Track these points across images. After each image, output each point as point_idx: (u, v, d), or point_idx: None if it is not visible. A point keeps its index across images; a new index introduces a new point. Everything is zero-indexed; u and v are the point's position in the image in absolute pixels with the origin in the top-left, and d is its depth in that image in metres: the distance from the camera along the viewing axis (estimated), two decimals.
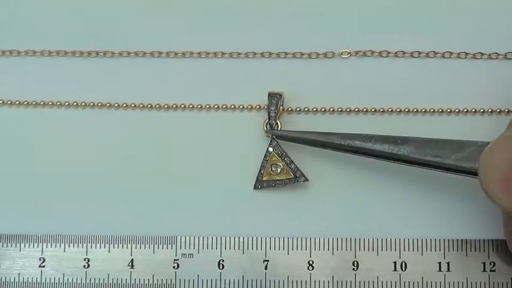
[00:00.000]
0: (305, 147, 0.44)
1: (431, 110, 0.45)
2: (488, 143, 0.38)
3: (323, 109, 0.45)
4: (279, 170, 0.44)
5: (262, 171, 0.44)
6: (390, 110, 0.45)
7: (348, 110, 0.45)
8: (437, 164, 0.41)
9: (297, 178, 0.44)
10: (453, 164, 0.40)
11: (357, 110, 0.45)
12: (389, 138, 0.42)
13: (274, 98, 0.44)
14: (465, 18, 0.45)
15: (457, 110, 0.45)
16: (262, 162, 0.44)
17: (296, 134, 0.44)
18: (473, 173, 0.39)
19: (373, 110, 0.45)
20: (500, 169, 0.37)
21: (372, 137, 0.42)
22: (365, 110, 0.45)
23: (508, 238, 0.41)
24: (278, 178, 0.44)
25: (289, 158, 0.44)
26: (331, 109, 0.45)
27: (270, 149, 0.44)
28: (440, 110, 0.45)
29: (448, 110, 0.45)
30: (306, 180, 0.44)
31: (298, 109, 0.45)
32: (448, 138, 0.41)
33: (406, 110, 0.45)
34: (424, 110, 0.45)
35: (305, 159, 0.44)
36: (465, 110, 0.45)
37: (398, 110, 0.45)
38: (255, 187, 0.44)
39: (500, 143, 0.38)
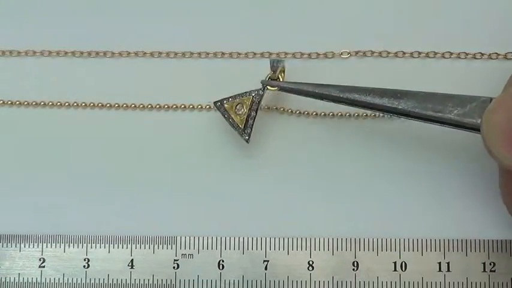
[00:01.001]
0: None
1: None
2: (491, 98, 0.38)
3: (323, 113, 0.45)
4: (239, 112, 0.43)
5: (230, 99, 0.44)
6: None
7: (348, 114, 0.45)
8: (438, 118, 0.40)
9: (243, 131, 0.43)
10: (454, 119, 0.39)
11: (356, 114, 0.45)
12: (389, 91, 0.40)
13: (275, 62, 0.43)
14: (465, 18, 0.45)
15: None
16: (237, 95, 0.43)
17: (294, 86, 0.42)
18: (475, 129, 0.39)
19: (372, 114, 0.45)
20: (503, 127, 0.36)
21: (371, 91, 0.41)
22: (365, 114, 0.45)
23: (503, 192, 0.41)
24: (232, 116, 0.43)
25: (256, 114, 0.43)
26: (331, 113, 0.45)
27: (252, 93, 0.43)
28: None
29: None
30: (247, 141, 0.43)
31: (298, 112, 0.45)
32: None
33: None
34: None
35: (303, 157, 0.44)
36: None
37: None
38: (214, 102, 0.43)
39: (503, 100, 0.37)
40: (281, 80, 0.44)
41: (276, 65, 0.43)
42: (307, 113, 0.45)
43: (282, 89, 0.43)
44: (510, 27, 0.45)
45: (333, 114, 0.45)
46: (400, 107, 0.40)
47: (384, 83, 0.44)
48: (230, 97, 0.44)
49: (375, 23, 0.46)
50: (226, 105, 0.44)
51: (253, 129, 0.43)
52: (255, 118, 0.43)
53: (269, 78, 0.43)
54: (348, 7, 0.46)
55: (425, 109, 0.40)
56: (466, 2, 0.45)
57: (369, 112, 0.44)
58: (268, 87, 0.43)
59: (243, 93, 0.44)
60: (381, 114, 0.44)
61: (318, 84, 0.42)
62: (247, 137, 0.43)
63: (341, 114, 0.45)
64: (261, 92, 0.43)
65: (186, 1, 0.46)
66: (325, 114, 0.45)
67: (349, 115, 0.45)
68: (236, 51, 0.46)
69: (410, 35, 0.45)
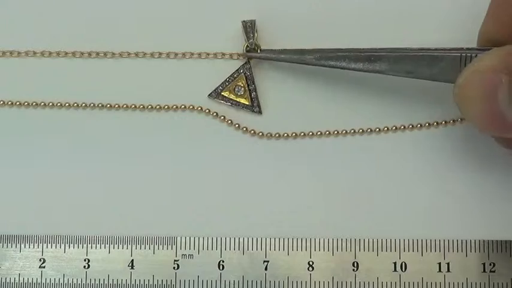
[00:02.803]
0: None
1: None
2: (460, 55, 0.40)
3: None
4: (240, 92, 0.45)
5: (224, 85, 0.45)
6: None
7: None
8: (413, 78, 0.42)
9: (253, 107, 0.45)
10: (428, 78, 0.42)
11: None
12: (363, 57, 0.42)
13: (248, 24, 0.45)
14: (465, 18, 0.45)
15: None
16: (228, 78, 0.45)
17: (273, 54, 0.44)
18: (450, 82, 0.40)
19: None
20: (478, 104, 0.38)
21: (346, 57, 0.43)
22: None
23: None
24: (235, 99, 0.45)
25: (255, 85, 0.44)
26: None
27: (241, 70, 0.45)
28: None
29: None
30: (260, 112, 0.45)
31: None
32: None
33: None
34: None
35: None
36: None
37: None
38: (210, 95, 0.45)
39: (472, 78, 0.38)
40: (256, 39, 0.45)
41: (250, 27, 0.44)
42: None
43: (264, 57, 0.44)
44: None
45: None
46: (374, 69, 0.42)
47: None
48: (221, 85, 0.45)
49: (374, 23, 0.46)
50: (223, 93, 0.45)
51: (259, 99, 0.45)
52: (256, 89, 0.45)
53: (246, 45, 0.45)
54: (348, 7, 0.46)
55: (398, 71, 0.42)
56: (466, 2, 0.45)
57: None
58: (252, 54, 0.45)
59: (231, 76, 0.45)
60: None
61: (297, 51, 0.44)
62: (259, 110, 0.45)
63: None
64: (247, 65, 0.45)
65: (186, 1, 0.46)
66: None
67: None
68: (236, 52, 0.46)
69: (411, 35, 0.45)
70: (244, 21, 0.45)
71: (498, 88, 0.37)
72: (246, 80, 0.45)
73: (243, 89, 0.45)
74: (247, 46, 0.45)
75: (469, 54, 0.41)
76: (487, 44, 0.40)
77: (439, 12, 0.45)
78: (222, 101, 0.45)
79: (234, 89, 0.45)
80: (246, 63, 0.45)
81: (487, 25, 0.41)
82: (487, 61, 0.38)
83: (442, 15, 0.45)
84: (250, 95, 0.45)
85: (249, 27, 0.45)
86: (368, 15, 0.46)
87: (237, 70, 0.45)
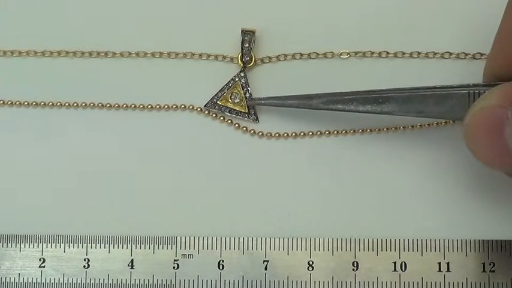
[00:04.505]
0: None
1: None
2: (468, 92, 0.40)
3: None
4: (236, 100, 0.45)
5: (219, 94, 0.45)
6: None
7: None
8: (422, 118, 0.42)
9: (249, 115, 0.45)
10: (438, 116, 0.42)
11: None
12: (371, 98, 0.42)
13: (247, 35, 0.45)
14: (465, 18, 0.45)
15: None
16: (223, 87, 0.45)
17: (278, 100, 0.44)
18: (459, 119, 0.40)
19: None
20: (484, 142, 0.38)
21: (354, 100, 0.42)
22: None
23: None
24: (232, 107, 0.45)
25: (251, 93, 0.45)
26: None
27: (236, 79, 0.45)
28: None
29: None
30: (257, 120, 0.45)
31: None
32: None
33: None
34: None
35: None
36: None
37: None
38: (206, 105, 0.45)
39: (478, 116, 0.38)
40: (252, 60, 0.45)
41: (246, 40, 0.45)
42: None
43: (267, 104, 0.44)
44: None
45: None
46: (383, 111, 0.42)
47: (383, 84, 0.44)
48: (216, 95, 0.45)
49: (374, 23, 0.46)
50: (219, 102, 0.44)
51: (255, 107, 0.45)
52: (252, 97, 0.45)
53: (242, 52, 0.45)
54: (348, 7, 0.46)
55: (407, 112, 0.42)
56: (465, 2, 0.45)
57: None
58: (246, 65, 0.45)
59: (227, 85, 0.45)
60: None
61: (302, 96, 0.43)
62: (255, 118, 0.45)
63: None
64: (242, 74, 0.45)
65: (186, 2, 0.46)
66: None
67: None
68: (237, 54, 0.46)
69: (411, 35, 0.45)
70: (243, 31, 0.45)
71: (504, 124, 0.37)
72: (242, 88, 0.45)
73: (239, 96, 0.45)
74: (241, 57, 0.45)
75: (477, 91, 0.40)
76: (493, 79, 0.40)
77: (443, 17, 0.46)
78: (219, 111, 0.45)
79: (230, 97, 0.45)
80: (241, 71, 0.45)
81: (492, 60, 0.40)
82: (492, 98, 0.38)
83: (449, 19, 0.46)
84: (247, 102, 0.45)
85: (246, 40, 0.45)
86: (369, 23, 0.46)
87: (232, 79, 0.45)
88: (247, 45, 0.45)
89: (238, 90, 0.45)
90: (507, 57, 0.39)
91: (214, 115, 0.45)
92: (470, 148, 0.39)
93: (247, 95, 0.45)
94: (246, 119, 0.45)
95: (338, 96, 0.43)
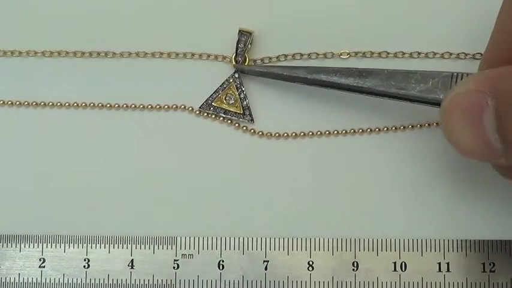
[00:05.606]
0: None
1: None
2: (452, 73, 0.40)
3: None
4: (231, 101, 0.45)
5: (214, 96, 0.45)
6: None
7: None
8: (402, 95, 0.42)
9: (244, 115, 0.45)
10: (417, 96, 0.41)
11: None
12: (354, 71, 0.42)
13: (244, 35, 0.45)
14: (465, 19, 0.45)
15: None
16: (218, 89, 0.45)
17: (262, 69, 0.44)
18: (438, 104, 0.40)
19: None
20: (461, 128, 0.36)
21: (338, 71, 0.43)
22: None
23: None
24: (227, 108, 0.45)
25: (245, 94, 0.45)
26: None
27: (231, 80, 0.45)
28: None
29: None
30: (252, 121, 0.45)
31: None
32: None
33: None
34: None
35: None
36: None
37: None
38: (201, 107, 0.45)
39: (456, 100, 0.36)
40: (247, 61, 0.45)
41: (242, 41, 0.45)
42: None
43: (253, 72, 0.45)
44: None
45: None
46: (365, 86, 0.42)
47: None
48: (211, 96, 0.45)
49: (375, 23, 0.46)
50: (214, 103, 0.45)
51: (250, 108, 0.45)
52: (246, 98, 0.45)
53: (236, 52, 0.45)
54: (348, 7, 0.46)
55: (389, 87, 0.42)
56: (465, 3, 0.45)
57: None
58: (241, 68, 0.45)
59: (221, 87, 0.45)
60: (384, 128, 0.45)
61: (286, 67, 0.44)
62: (250, 118, 0.45)
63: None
64: (236, 75, 0.45)
65: (187, 2, 0.46)
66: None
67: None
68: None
69: (411, 35, 0.45)
70: (240, 31, 0.45)
71: (484, 111, 0.35)
72: (236, 89, 0.45)
73: (233, 97, 0.45)
74: (236, 59, 0.45)
75: (461, 74, 0.40)
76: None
77: (443, 17, 0.46)
78: (214, 112, 0.45)
79: (225, 98, 0.45)
80: (235, 72, 0.45)
81: (489, 51, 0.39)
82: (472, 83, 0.36)
83: (444, 18, 0.46)
84: (242, 103, 0.45)
85: (242, 40, 0.45)
86: (370, 23, 0.46)
87: (226, 80, 0.45)
88: (242, 45, 0.45)
89: (232, 91, 0.45)
90: (501, 54, 0.38)
91: (212, 116, 0.45)
92: (446, 133, 0.37)
93: (242, 95, 0.45)
94: (241, 119, 0.45)
95: (321, 68, 0.43)
